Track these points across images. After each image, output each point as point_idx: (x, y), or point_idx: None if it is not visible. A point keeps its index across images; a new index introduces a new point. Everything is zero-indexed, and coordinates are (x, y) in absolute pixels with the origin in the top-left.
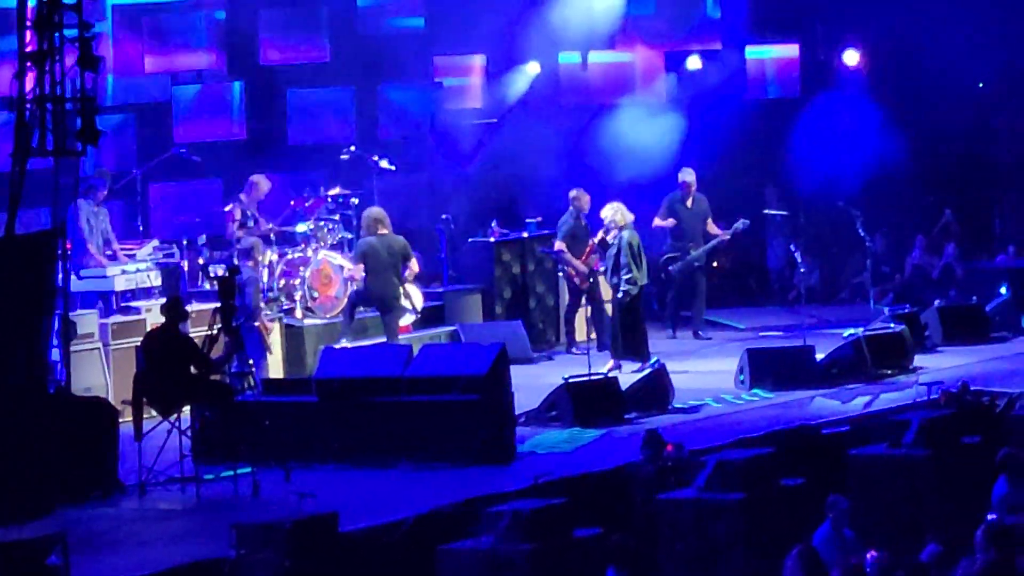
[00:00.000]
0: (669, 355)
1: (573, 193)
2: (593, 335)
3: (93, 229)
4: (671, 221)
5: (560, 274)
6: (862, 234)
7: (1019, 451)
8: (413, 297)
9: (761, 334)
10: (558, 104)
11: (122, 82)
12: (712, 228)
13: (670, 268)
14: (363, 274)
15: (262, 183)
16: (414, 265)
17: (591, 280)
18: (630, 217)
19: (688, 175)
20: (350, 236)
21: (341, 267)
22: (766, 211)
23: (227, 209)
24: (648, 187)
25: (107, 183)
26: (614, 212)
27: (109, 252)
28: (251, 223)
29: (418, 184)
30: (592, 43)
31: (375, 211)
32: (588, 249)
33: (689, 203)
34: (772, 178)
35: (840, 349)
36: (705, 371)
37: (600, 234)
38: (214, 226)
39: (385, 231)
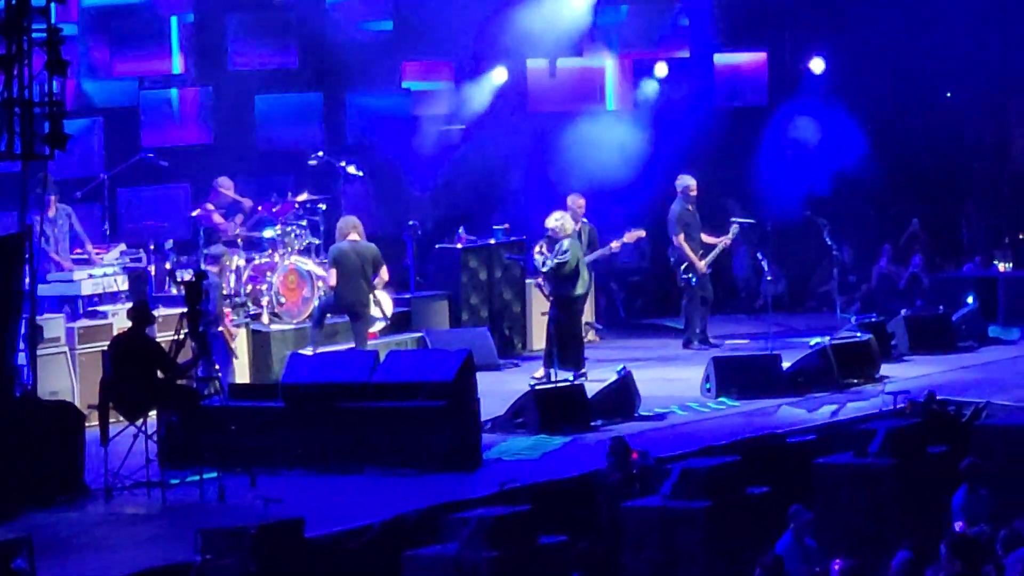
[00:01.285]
0: (636, 363)
1: (570, 199)
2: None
3: (50, 237)
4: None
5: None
6: (829, 243)
7: (982, 461)
8: (383, 304)
9: (727, 342)
10: (526, 111)
11: (90, 86)
12: (704, 236)
13: (686, 276)
14: (334, 280)
15: (225, 182)
16: (384, 273)
17: None
18: (573, 227)
19: (692, 181)
20: (317, 242)
21: (309, 272)
22: (732, 219)
23: (195, 214)
24: (615, 194)
25: (53, 190)
26: (560, 222)
27: (83, 254)
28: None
29: (385, 190)
30: (560, 50)
31: (349, 219)
32: None
33: (692, 209)
34: (739, 185)
35: (806, 358)
36: (671, 379)
37: (542, 245)
38: (181, 231)
39: (357, 238)
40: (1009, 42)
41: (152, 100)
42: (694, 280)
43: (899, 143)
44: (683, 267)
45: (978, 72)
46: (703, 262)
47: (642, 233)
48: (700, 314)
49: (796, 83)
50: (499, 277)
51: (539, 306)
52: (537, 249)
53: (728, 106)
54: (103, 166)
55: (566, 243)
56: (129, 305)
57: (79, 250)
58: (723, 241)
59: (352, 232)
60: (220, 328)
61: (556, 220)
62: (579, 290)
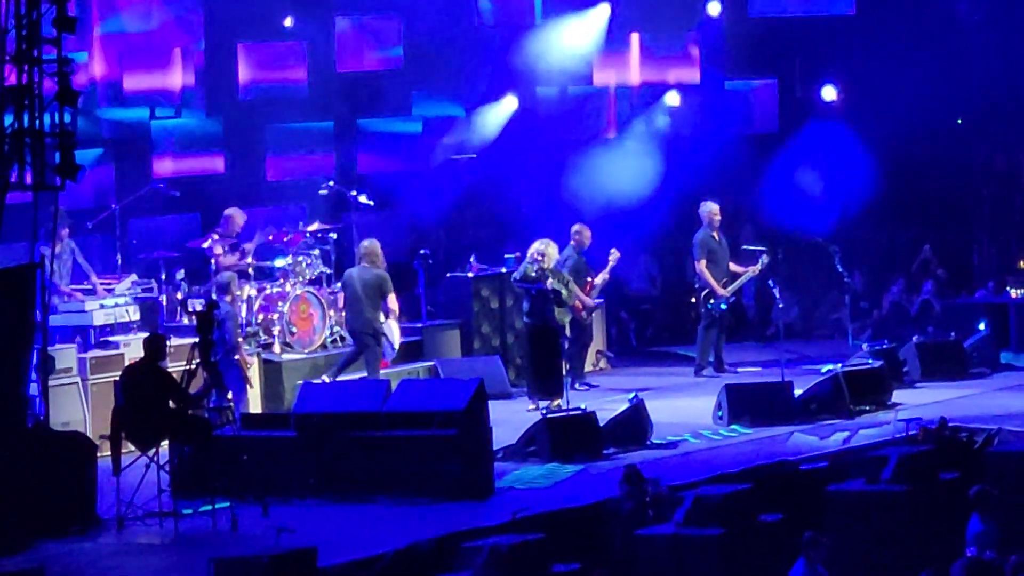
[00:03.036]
0: (647, 391)
1: (575, 228)
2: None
3: (54, 271)
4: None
5: None
6: (840, 270)
7: (991, 487)
8: (389, 334)
9: (739, 370)
10: (536, 139)
11: (100, 116)
12: (732, 264)
13: (711, 306)
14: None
15: (237, 216)
16: (391, 302)
17: (588, 315)
18: (556, 258)
19: (715, 207)
20: (329, 271)
21: (320, 302)
22: (744, 247)
23: (205, 245)
24: (625, 221)
25: (65, 222)
26: (545, 252)
27: (88, 285)
28: (235, 255)
29: (397, 219)
30: (571, 78)
31: (365, 244)
32: (588, 285)
33: (717, 236)
34: (750, 212)
35: (818, 385)
36: (683, 407)
37: (529, 270)
38: (192, 261)
39: (368, 264)
40: (1020, 68)
41: (163, 130)
42: (717, 310)
43: (910, 169)
44: (704, 294)
45: (989, 98)
46: (727, 290)
47: (616, 253)
48: (715, 342)
49: (807, 110)
50: (510, 306)
51: None
52: (528, 270)
53: (739, 133)
54: (114, 196)
55: (552, 279)
56: (143, 335)
57: (85, 283)
58: (751, 271)
59: (365, 258)
60: (236, 357)
61: (541, 250)
62: (563, 319)
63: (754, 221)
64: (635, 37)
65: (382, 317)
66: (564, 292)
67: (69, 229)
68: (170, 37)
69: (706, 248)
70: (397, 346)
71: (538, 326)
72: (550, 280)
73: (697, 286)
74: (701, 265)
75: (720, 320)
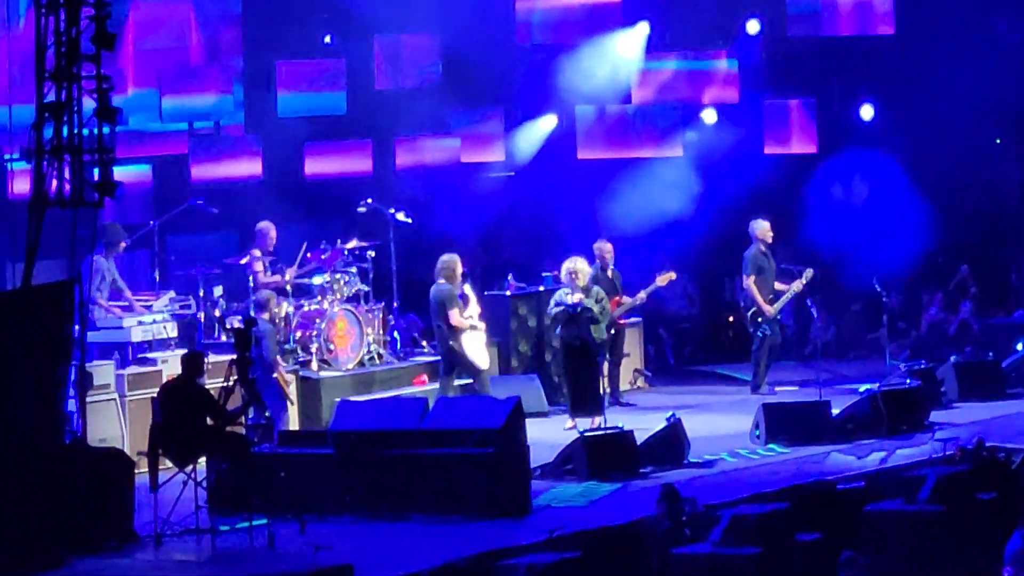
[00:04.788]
0: (685, 409)
1: (595, 246)
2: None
3: (104, 285)
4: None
5: None
6: (878, 289)
7: None
8: (465, 350)
9: (777, 389)
10: (575, 157)
11: (139, 132)
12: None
13: (759, 324)
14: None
15: (270, 230)
16: (451, 318)
17: (613, 332)
18: (589, 273)
19: (766, 224)
20: (366, 288)
21: (358, 319)
22: (782, 265)
23: (244, 262)
24: (663, 241)
25: (122, 237)
26: (577, 270)
27: (124, 303)
28: (276, 276)
29: (434, 237)
30: (609, 96)
31: (444, 258)
32: (614, 302)
33: (766, 253)
34: (788, 232)
35: (856, 404)
36: (721, 425)
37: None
38: (231, 278)
39: (442, 280)
40: None
41: (201, 147)
42: (765, 331)
43: (948, 189)
44: (752, 313)
45: None
46: (773, 307)
47: (672, 275)
48: (768, 360)
49: (845, 130)
50: (548, 324)
51: None
52: (564, 293)
53: (777, 152)
54: (153, 213)
55: (586, 297)
56: (181, 352)
57: (121, 300)
58: (794, 287)
59: (441, 272)
60: (275, 374)
61: (574, 269)
62: (600, 336)
63: (791, 240)
64: (673, 56)
65: (467, 335)
66: (596, 309)
67: (125, 244)
68: (209, 54)
69: (756, 264)
70: (477, 362)
71: (575, 344)
72: (580, 296)
73: (743, 304)
74: (750, 281)
75: (773, 339)
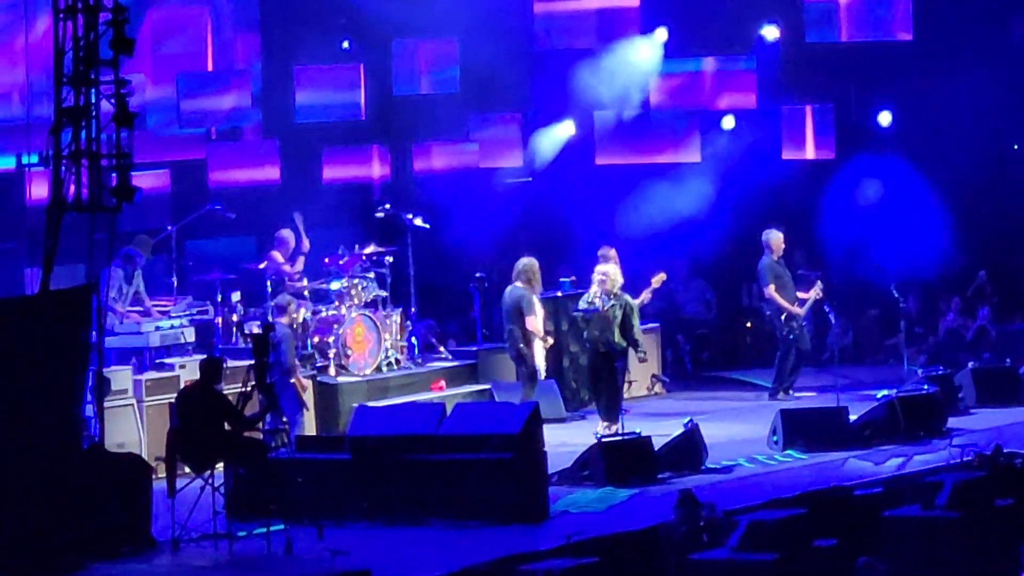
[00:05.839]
0: (702, 415)
1: (602, 252)
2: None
3: (122, 296)
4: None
5: None
6: (896, 295)
7: None
8: (533, 356)
9: (795, 394)
10: (592, 163)
11: (158, 137)
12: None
13: (786, 331)
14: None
15: (289, 235)
16: (528, 323)
17: None
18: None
19: (778, 235)
20: (384, 294)
21: (376, 324)
22: (799, 271)
23: (262, 266)
24: (681, 245)
25: (146, 256)
26: (607, 274)
27: (141, 308)
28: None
29: (452, 242)
30: (627, 102)
31: (523, 261)
32: None
33: (780, 262)
34: (805, 237)
35: (873, 410)
36: (738, 431)
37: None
38: (248, 283)
39: (520, 284)
40: None
41: (219, 151)
42: (792, 335)
43: (966, 195)
44: (783, 316)
45: None
46: (802, 308)
47: (663, 276)
48: (793, 366)
49: (863, 135)
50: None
51: None
52: (593, 295)
53: (794, 158)
54: (170, 218)
55: (627, 296)
56: (199, 357)
57: (138, 305)
58: (813, 295)
59: (520, 276)
60: (292, 380)
61: (608, 273)
62: (624, 342)
63: (808, 246)
64: (692, 62)
65: (537, 342)
66: (615, 312)
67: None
68: (227, 59)
69: (773, 274)
70: (541, 368)
71: (597, 349)
72: (599, 301)
73: (769, 314)
74: (771, 290)
75: (800, 345)
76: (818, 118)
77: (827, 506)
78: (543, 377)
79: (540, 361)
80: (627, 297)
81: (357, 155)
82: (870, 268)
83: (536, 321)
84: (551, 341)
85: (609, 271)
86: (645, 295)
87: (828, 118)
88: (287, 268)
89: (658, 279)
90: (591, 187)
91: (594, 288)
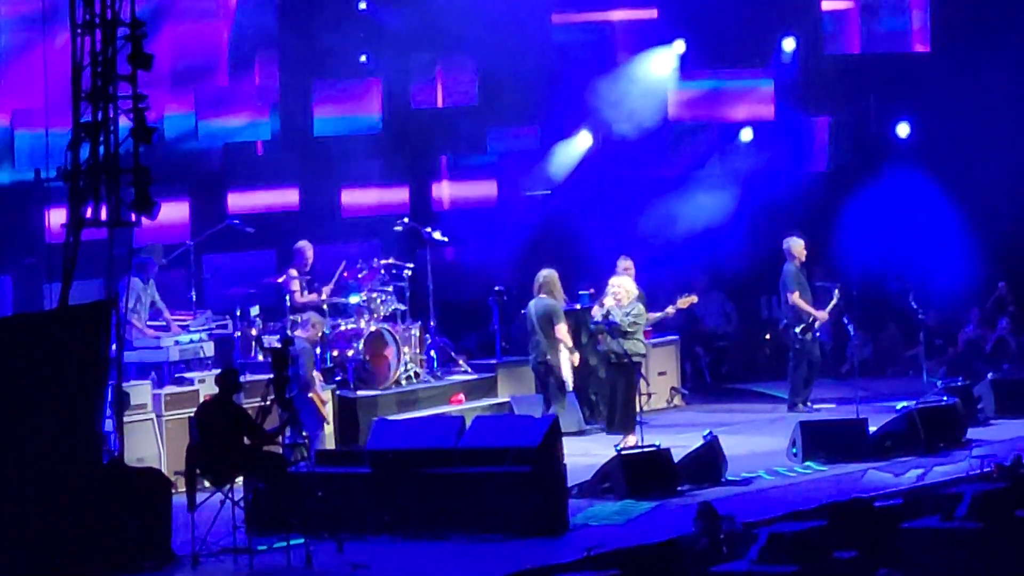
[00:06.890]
0: (722, 427)
1: (620, 263)
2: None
3: (141, 306)
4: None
5: None
6: (915, 307)
7: None
8: (562, 366)
9: (815, 406)
10: (611, 176)
11: (175, 152)
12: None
13: (800, 336)
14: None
15: (307, 249)
16: (558, 332)
17: None
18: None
19: (800, 243)
20: (403, 307)
21: (395, 338)
22: (817, 283)
23: (280, 280)
24: (700, 258)
25: (158, 263)
26: (620, 286)
27: (162, 323)
28: (312, 294)
29: (471, 255)
30: (645, 114)
31: (544, 273)
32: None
33: (801, 270)
34: (824, 249)
35: (893, 422)
36: (758, 443)
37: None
38: (267, 297)
39: (544, 295)
40: None
41: (237, 166)
42: (812, 335)
43: (985, 206)
44: (799, 328)
45: None
46: (823, 312)
47: (694, 299)
48: (808, 377)
49: (881, 147)
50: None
51: None
52: (603, 307)
53: (813, 170)
54: (189, 233)
55: (640, 306)
56: (217, 372)
57: (159, 320)
58: (831, 305)
59: (543, 288)
60: (310, 394)
61: (624, 286)
62: (643, 351)
63: (826, 258)
64: (710, 73)
65: (564, 352)
66: (625, 322)
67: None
68: (245, 73)
69: (797, 280)
70: (568, 379)
71: (613, 361)
72: (611, 313)
73: (786, 321)
74: (795, 297)
75: (811, 356)
76: (836, 130)
77: (847, 518)
78: (571, 388)
79: (568, 372)
80: (641, 307)
81: (375, 169)
82: (889, 279)
83: (565, 330)
84: (578, 356)
85: (624, 283)
86: (669, 310)
87: (846, 130)
88: (300, 297)
89: (686, 301)
90: (609, 200)
91: (609, 300)
